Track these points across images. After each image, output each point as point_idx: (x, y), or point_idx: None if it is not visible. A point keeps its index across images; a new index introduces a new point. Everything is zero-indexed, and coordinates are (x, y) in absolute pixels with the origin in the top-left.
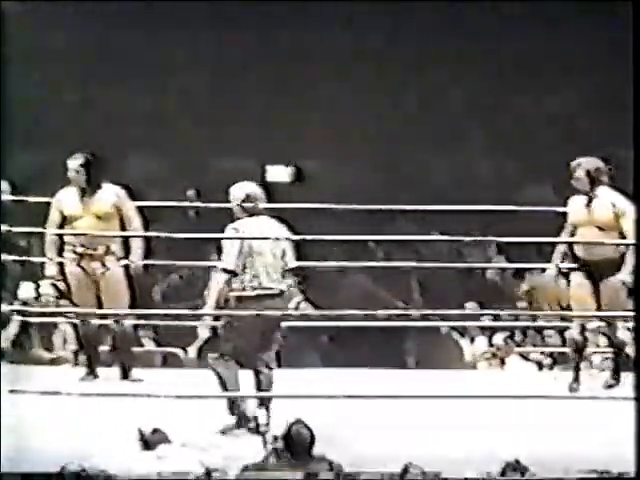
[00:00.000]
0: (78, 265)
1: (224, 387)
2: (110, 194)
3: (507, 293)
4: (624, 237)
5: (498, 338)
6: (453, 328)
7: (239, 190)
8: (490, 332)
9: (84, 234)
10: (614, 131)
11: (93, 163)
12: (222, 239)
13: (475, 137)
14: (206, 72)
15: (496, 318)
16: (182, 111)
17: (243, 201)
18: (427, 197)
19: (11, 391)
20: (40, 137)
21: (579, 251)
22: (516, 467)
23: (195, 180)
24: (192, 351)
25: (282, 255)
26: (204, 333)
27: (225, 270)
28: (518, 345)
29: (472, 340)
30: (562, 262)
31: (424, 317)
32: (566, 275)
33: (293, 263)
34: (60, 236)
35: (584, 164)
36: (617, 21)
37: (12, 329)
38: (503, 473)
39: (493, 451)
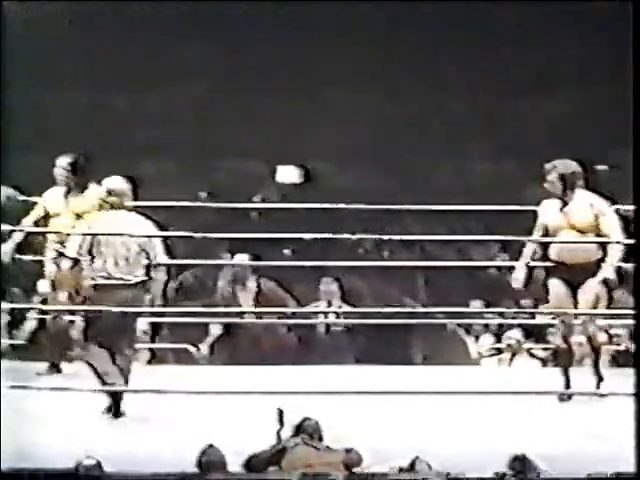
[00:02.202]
0: (55, 263)
1: (97, 376)
2: (95, 195)
3: (511, 291)
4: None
5: (505, 336)
6: (459, 325)
7: (103, 185)
8: (497, 329)
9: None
10: (616, 133)
11: (82, 164)
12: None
13: (479, 139)
14: (216, 73)
15: (500, 316)
16: (192, 112)
17: (109, 194)
18: (433, 197)
19: (12, 387)
20: (49, 139)
21: (559, 255)
22: (522, 462)
23: (206, 181)
24: (204, 348)
25: (141, 249)
26: (216, 330)
27: (65, 256)
28: (519, 342)
29: (477, 338)
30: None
31: (429, 314)
32: (531, 273)
33: (161, 258)
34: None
35: (558, 167)
36: (617, 21)
37: (27, 326)
38: (511, 468)
39: (499, 446)
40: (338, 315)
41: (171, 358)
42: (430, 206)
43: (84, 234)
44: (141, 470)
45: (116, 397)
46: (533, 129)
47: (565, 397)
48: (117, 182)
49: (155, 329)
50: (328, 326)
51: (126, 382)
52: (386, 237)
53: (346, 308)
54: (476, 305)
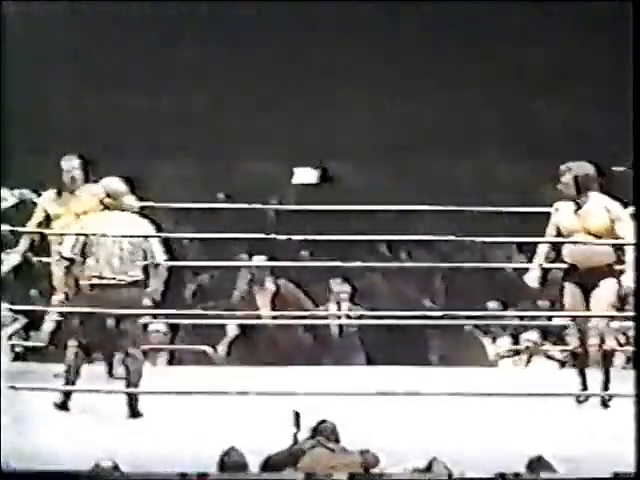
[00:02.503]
0: (57, 265)
1: (67, 374)
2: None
3: (528, 292)
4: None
5: (524, 337)
6: (476, 326)
7: (100, 186)
8: (514, 331)
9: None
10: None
11: (85, 164)
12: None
13: (496, 140)
14: (233, 74)
15: (518, 317)
16: (210, 114)
17: (107, 196)
18: (450, 198)
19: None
20: (63, 141)
21: (573, 258)
22: (539, 464)
23: (224, 182)
24: (221, 349)
25: (136, 249)
26: (232, 331)
27: (63, 257)
28: (536, 344)
29: (494, 339)
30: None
31: (447, 316)
32: (546, 274)
33: (159, 259)
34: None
35: (573, 169)
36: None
37: (46, 328)
38: (528, 469)
39: (516, 448)
40: (350, 317)
41: (190, 359)
42: (447, 207)
43: (81, 234)
44: (154, 470)
45: (131, 397)
46: (551, 130)
47: (582, 399)
48: (114, 183)
49: (174, 330)
50: (341, 327)
51: (137, 383)
52: (403, 238)
53: (357, 309)
54: (493, 306)
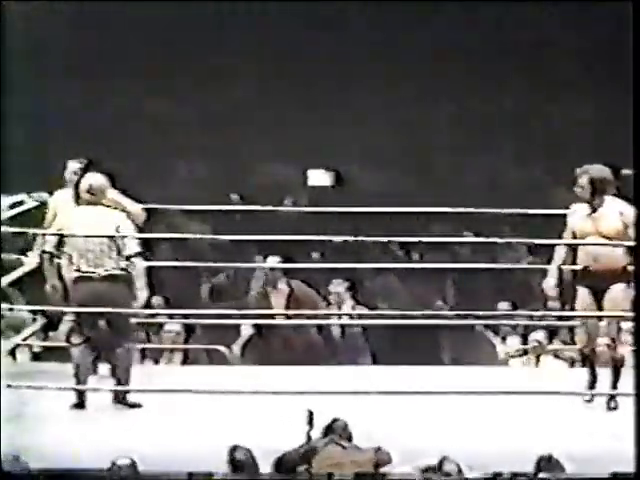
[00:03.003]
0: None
1: (76, 373)
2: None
3: (538, 292)
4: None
5: (532, 337)
6: (486, 327)
7: (84, 181)
8: (524, 330)
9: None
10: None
11: (92, 167)
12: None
13: (507, 141)
14: (249, 78)
15: (529, 317)
16: (226, 116)
17: (87, 191)
18: (461, 200)
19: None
20: (66, 142)
21: (585, 261)
22: (549, 462)
23: (239, 184)
24: (236, 348)
25: (109, 244)
26: (246, 331)
27: (43, 251)
28: (540, 343)
29: (504, 339)
30: (561, 269)
31: (458, 316)
32: (562, 278)
33: (133, 250)
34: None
35: (590, 172)
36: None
37: (64, 327)
38: (537, 467)
39: (526, 446)
40: (352, 317)
41: (205, 359)
42: (460, 209)
43: (58, 234)
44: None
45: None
46: (563, 132)
47: (591, 398)
48: (95, 179)
49: (190, 330)
50: (343, 328)
51: (126, 380)
52: (416, 240)
53: (360, 309)
54: (504, 307)
